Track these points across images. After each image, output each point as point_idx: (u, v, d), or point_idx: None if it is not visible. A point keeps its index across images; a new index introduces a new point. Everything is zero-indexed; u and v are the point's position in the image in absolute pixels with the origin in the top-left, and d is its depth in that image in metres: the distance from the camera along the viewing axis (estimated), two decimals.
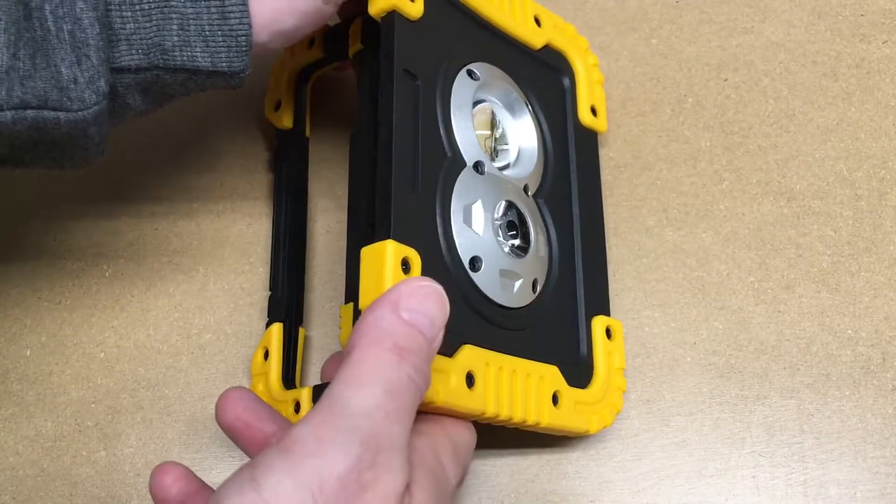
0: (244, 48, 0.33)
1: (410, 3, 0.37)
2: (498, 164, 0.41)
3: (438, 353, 0.31)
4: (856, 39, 0.52)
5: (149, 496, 0.41)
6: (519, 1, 0.44)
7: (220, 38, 0.33)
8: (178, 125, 0.49)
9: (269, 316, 0.43)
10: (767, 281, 0.46)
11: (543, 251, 0.40)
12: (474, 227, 0.37)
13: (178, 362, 0.43)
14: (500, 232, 0.39)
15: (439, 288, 0.30)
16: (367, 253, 0.33)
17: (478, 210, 0.37)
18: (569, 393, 0.38)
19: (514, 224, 0.40)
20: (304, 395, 0.38)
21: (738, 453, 0.43)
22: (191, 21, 0.32)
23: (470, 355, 0.34)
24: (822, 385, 0.44)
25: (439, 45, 0.38)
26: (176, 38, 0.32)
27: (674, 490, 0.42)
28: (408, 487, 0.28)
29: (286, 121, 0.45)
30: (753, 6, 0.53)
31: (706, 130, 0.49)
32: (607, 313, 0.42)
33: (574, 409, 0.38)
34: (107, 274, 0.45)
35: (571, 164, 0.43)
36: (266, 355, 0.41)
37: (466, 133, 0.38)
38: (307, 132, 0.46)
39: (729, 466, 0.42)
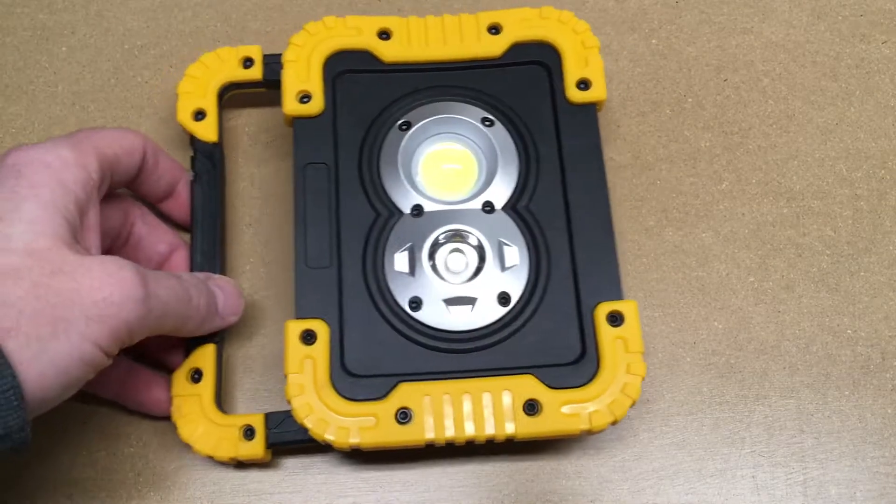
0: (14, 402, 0.30)
1: (304, 106, 0.42)
2: (456, 192, 0.43)
3: (368, 398, 0.38)
4: (856, 39, 0.52)
5: (148, 496, 0.41)
6: (466, 22, 0.44)
7: None
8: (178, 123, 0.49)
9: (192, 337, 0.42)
10: (767, 281, 0.46)
11: (517, 262, 0.41)
12: (407, 270, 0.40)
13: None
14: (445, 264, 0.41)
15: None
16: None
17: (409, 254, 0.41)
18: (552, 397, 0.38)
19: (461, 251, 0.41)
20: (258, 421, 0.40)
21: (738, 453, 0.43)
22: None
23: (405, 392, 0.38)
24: (821, 385, 0.44)
25: (354, 121, 0.43)
26: None
27: (674, 490, 0.42)
28: None
29: (211, 133, 0.45)
30: (753, 6, 0.53)
31: (706, 130, 0.49)
32: (617, 297, 0.40)
33: (561, 413, 0.38)
34: None
35: (563, 152, 0.43)
36: (196, 376, 0.41)
37: (397, 185, 0.42)
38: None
39: (729, 466, 0.42)
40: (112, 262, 0.33)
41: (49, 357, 0.31)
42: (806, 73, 0.51)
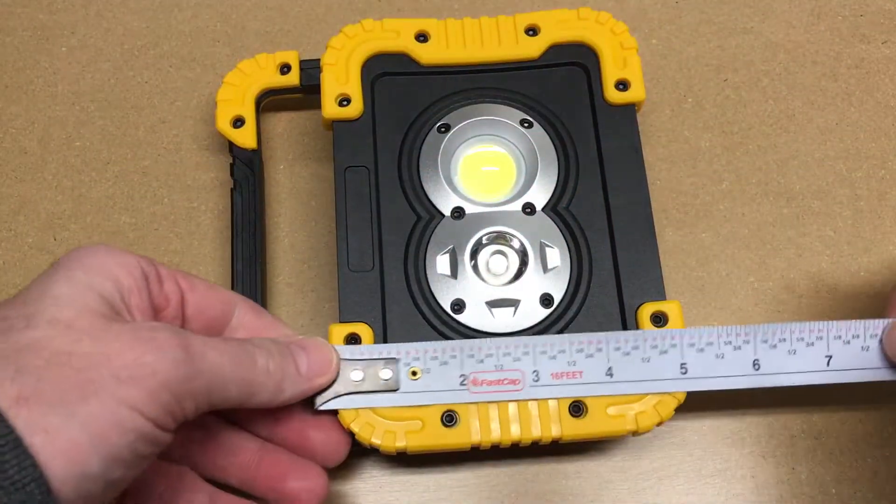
0: (38, 498, 0.25)
1: (344, 109, 0.42)
2: (496, 194, 0.43)
3: (416, 404, 0.37)
4: (855, 39, 0.52)
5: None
6: (503, 24, 0.44)
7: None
8: (178, 123, 0.49)
9: None
10: (767, 281, 0.46)
11: (559, 263, 0.41)
12: (449, 273, 0.40)
13: None
14: (486, 266, 0.41)
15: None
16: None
17: (451, 257, 0.41)
18: (598, 398, 0.38)
19: (503, 253, 0.41)
20: None
21: (738, 453, 0.43)
22: None
23: None
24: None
25: (393, 124, 0.43)
26: None
27: (674, 490, 0.42)
28: None
29: (250, 140, 0.45)
30: (753, 6, 0.53)
31: (706, 130, 0.49)
32: (660, 298, 0.40)
33: (607, 414, 0.38)
34: None
35: (603, 153, 0.43)
36: None
37: (437, 187, 0.42)
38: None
39: (729, 466, 0.42)
40: (146, 326, 0.30)
41: (79, 421, 0.26)
42: (806, 73, 0.51)
